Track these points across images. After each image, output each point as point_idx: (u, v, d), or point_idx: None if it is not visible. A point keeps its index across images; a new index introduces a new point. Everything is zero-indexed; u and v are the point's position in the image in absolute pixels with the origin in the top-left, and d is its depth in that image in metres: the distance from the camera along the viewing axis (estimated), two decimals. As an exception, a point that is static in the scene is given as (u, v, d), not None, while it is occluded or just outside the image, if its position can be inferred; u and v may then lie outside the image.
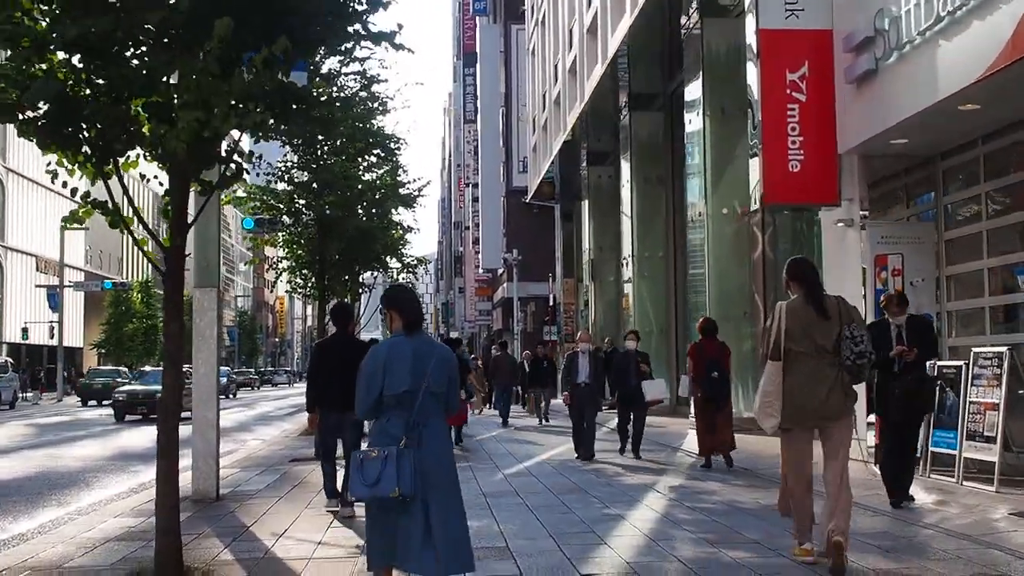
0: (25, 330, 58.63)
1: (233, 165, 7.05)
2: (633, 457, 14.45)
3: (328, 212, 16.44)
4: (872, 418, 12.01)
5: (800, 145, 12.79)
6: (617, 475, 12.71)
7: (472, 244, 73.69)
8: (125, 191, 7.01)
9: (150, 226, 7.32)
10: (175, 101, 6.48)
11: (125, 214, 7.00)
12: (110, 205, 6.84)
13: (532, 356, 25.34)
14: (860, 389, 11.63)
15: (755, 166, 13.18)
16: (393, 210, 17.44)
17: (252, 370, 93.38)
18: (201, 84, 6.32)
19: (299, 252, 17.14)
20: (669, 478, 12.36)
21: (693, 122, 20.63)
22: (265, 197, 16.53)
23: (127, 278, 74.67)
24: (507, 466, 14.14)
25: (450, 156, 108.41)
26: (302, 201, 16.55)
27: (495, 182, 62.32)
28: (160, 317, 71.07)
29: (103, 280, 62.69)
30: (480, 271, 69.39)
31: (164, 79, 6.59)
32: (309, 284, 17.65)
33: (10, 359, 47.55)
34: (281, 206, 16.52)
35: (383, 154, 16.96)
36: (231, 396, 52.81)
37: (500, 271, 60.82)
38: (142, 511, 10.05)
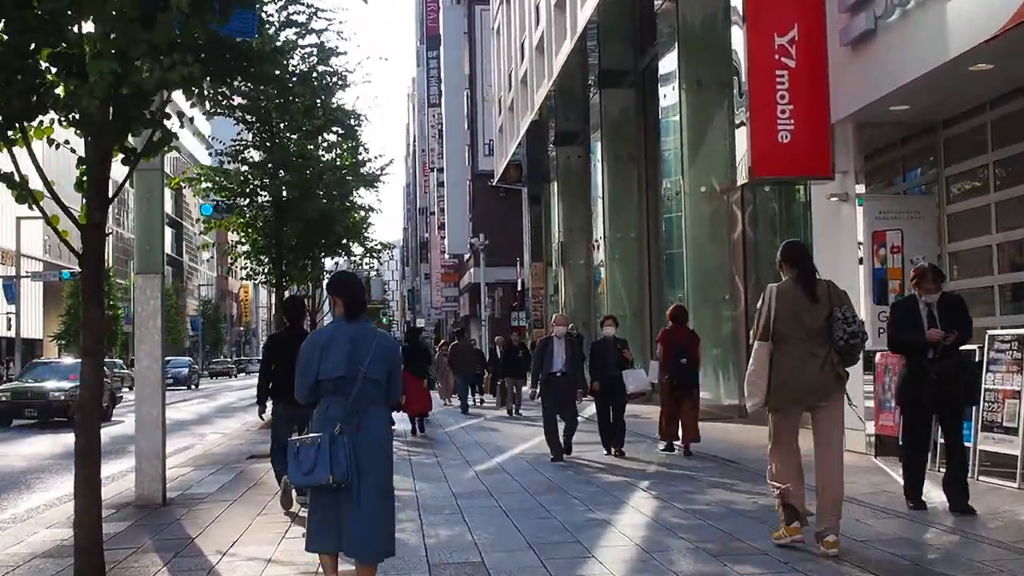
0: (-12, 322, 57.01)
1: (160, 129, 6.03)
2: (616, 455, 12.97)
3: (285, 194, 15.36)
4: (871, 403, 11.27)
5: (790, 114, 11.89)
6: (597, 472, 11.81)
7: (438, 229, 72.67)
8: (34, 160, 6.00)
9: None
10: (87, 51, 5.48)
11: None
12: (16, 177, 5.84)
13: (506, 343, 23.81)
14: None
15: (741, 138, 12.27)
16: (355, 191, 16.31)
17: (230, 359, 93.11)
18: (116, 30, 5.34)
19: (255, 236, 15.95)
20: (654, 475, 11.48)
21: (668, 96, 19.75)
22: (218, 178, 15.32)
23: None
24: (478, 461, 13.23)
25: (414, 142, 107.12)
26: (257, 182, 15.36)
27: (460, 166, 61.36)
28: (121, 307, 69.86)
29: (61, 270, 60.81)
30: (446, 256, 68.43)
31: (74, 26, 5.59)
32: (266, 270, 16.52)
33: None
34: (234, 187, 15.30)
35: (342, 131, 15.83)
36: (193, 387, 51.73)
37: (467, 256, 59.90)
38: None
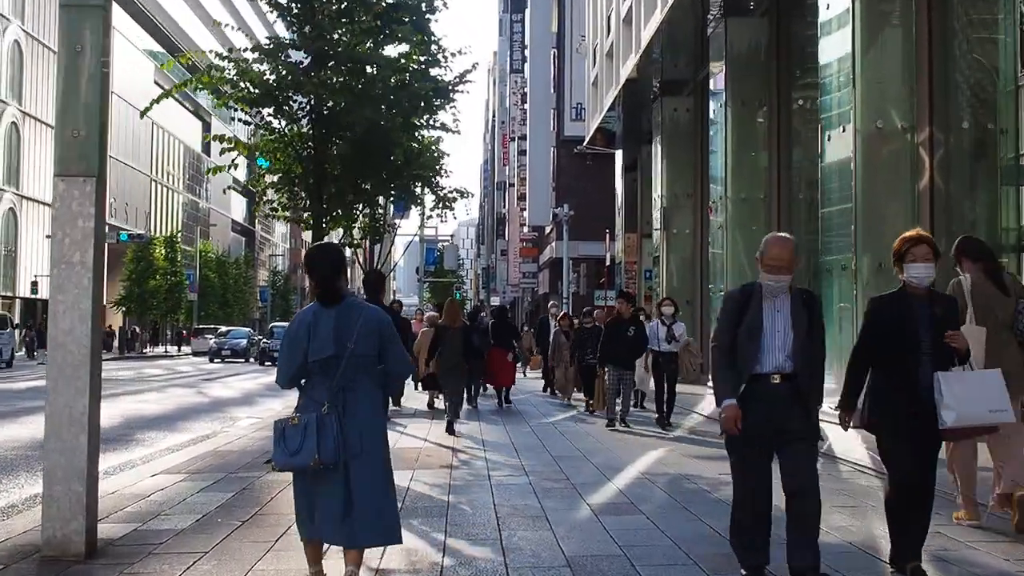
0: (35, 284, 54.38)
1: None
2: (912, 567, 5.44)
3: (326, 101, 11.14)
4: None
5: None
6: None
7: (517, 201, 68.73)
8: None
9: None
10: None
11: None
12: None
13: (615, 315, 15.70)
14: None
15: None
16: (423, 105, 11.92)
17: None
18: None
19: (287, 160, 11.64)
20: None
21: (832, 7, 15.20)
22: (234, 76, 11.01)
23: (154, 232, 70.47)
24: (589, 486, 8.95)
25: (493, 116, 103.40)
26: (290, 79, 11.00)
27: (544, 132, 57.45)
28: (185, 273, 66.73)
29: (119, 232, 57.67)
30: (526, 230, 64.47)
31: None
32: (301, 206, 12.24)
33: (5, 314, 43.16)
34: (253, 88, 10.93)
35: (407, 19, 11.47)
36: (252, 360, 48.84)
37: (548, 230, 55.92)
38: None
